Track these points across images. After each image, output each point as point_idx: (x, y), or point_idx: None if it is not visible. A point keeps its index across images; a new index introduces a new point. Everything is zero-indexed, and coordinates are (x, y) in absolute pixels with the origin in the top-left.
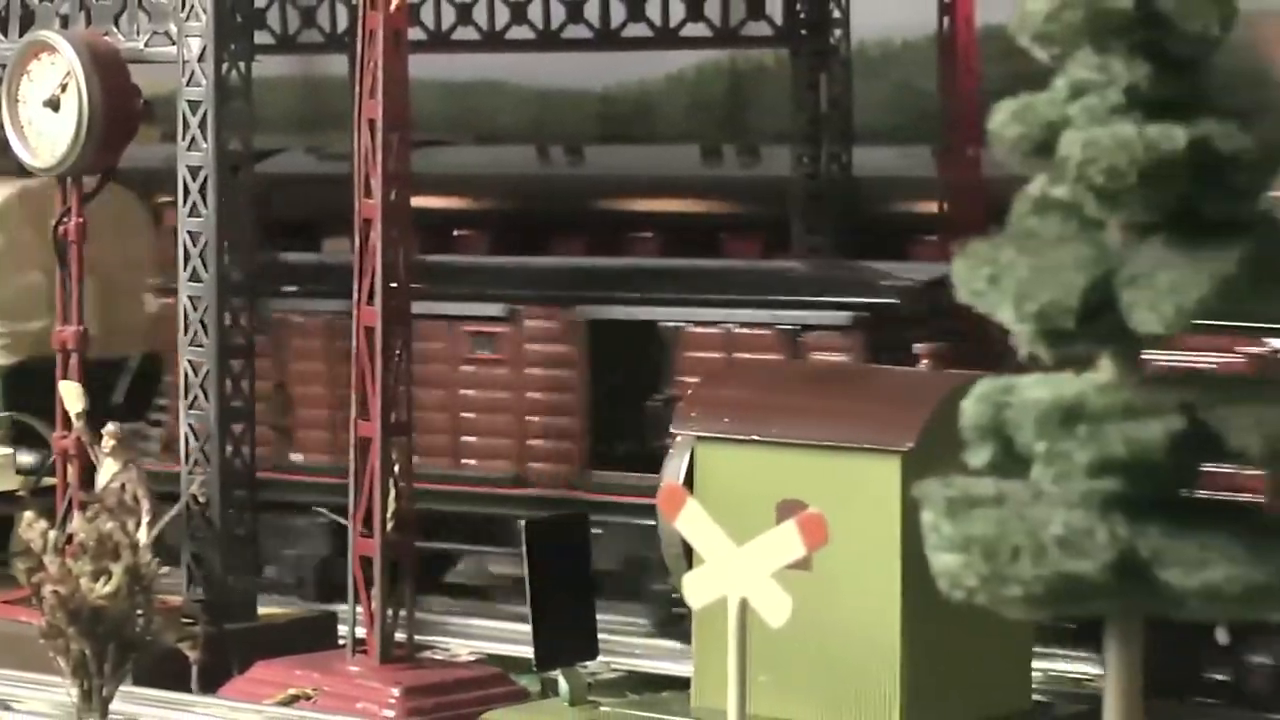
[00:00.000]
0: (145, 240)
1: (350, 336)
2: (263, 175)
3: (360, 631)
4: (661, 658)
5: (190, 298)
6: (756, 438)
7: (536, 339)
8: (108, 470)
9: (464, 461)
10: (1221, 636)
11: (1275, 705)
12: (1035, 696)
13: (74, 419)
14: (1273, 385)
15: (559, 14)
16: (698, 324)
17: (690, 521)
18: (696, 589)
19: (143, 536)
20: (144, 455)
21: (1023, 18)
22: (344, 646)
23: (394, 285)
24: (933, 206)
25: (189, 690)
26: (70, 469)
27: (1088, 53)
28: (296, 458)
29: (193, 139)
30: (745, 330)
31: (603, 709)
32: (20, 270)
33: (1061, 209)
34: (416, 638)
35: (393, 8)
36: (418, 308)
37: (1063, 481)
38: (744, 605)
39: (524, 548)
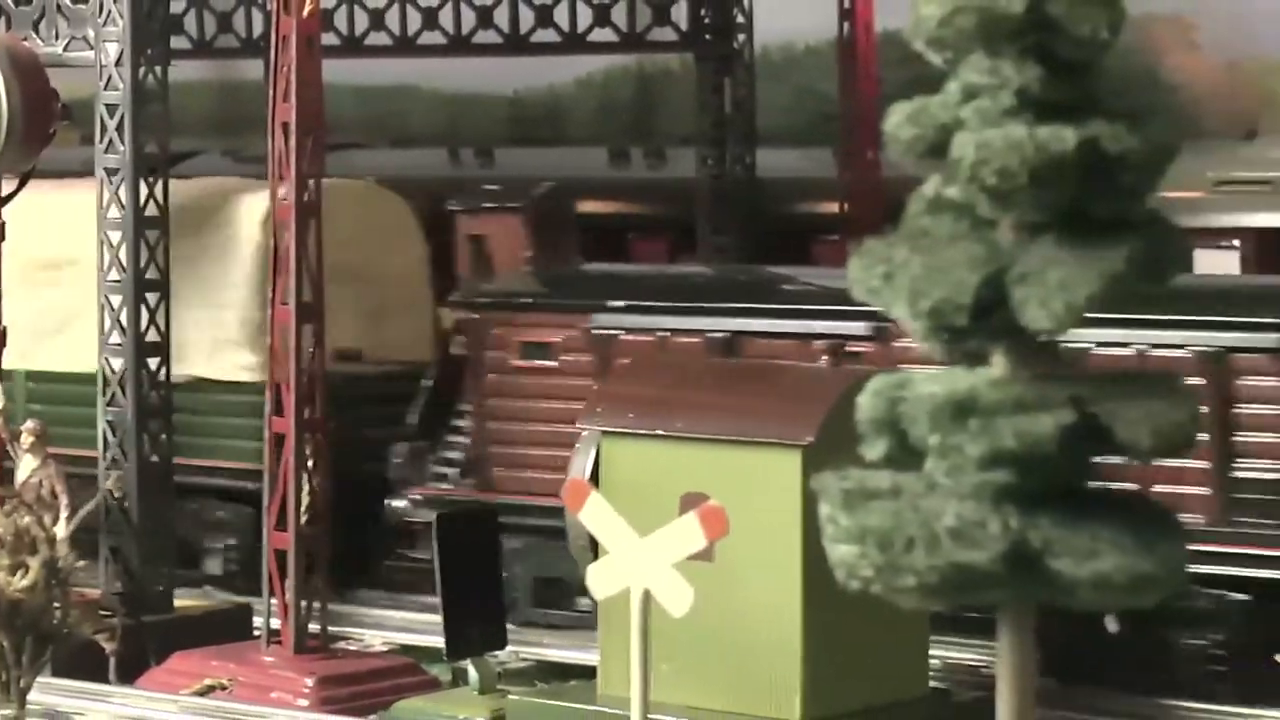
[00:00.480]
0: (417, 249)
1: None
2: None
3: (275, 623)
4: (570, 647)
5: (108, 296)
6: (661, 432)
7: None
8: (26, 466)
9: None
10: (1111, 625)
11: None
12: (932, 683)
13: None
14: (1161, 380)
15: (469, 20)
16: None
17: (594, 514)
18: (600, 580)
19: (60, 531)
20: (440, 481)
21: (916, 22)
22: (259, 638)
23: (306, 285)
24: (834, 207)
25: (107, 681)
26: None
27: (980, 56)
28: None
29: (110, 142)
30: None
31: (511, 697)
32: None
33: (954, 209)
34: (330, 629)
35: (305, 13)
36: (766, 324)
37: (956, 474)
38: (647, 595)
39: (434, 541)
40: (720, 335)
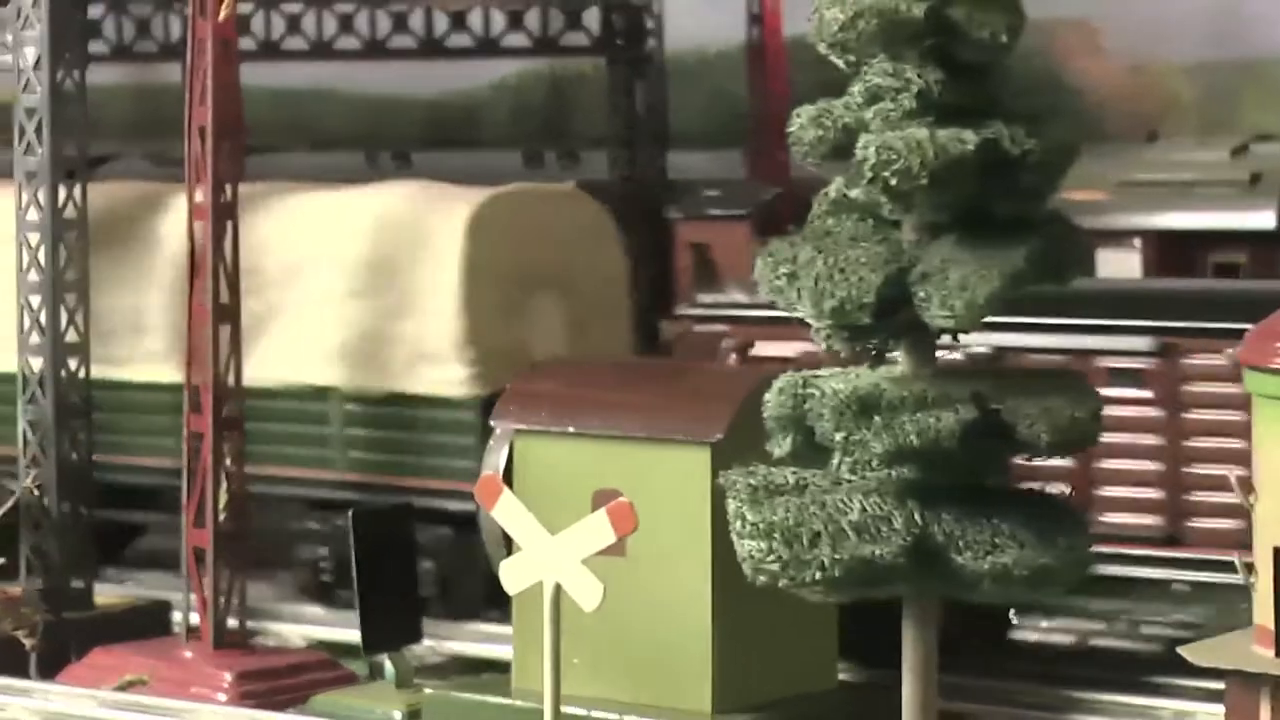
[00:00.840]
0: (617, 256)
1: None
2: None
3: (195, 619)
4: (484, 641)
5: (27, 298)
6: (573, 430)
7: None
8: None
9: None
10: (1013, 617)
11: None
12: (840, 675)
13: None
14: (1060, 377)
15: (385, 25)
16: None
17: (506, 511)
18: (513, 575)
19: None
20: None
21: (820, 26)
22: (179, 634)
23: (224, 287)
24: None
25: (27, 677)
26: None
27: (882, 60)
28: None
29: (29, 145)
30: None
31: (427, 691)
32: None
33: (857, 209)
34: (249, 624)
35: (221, 18)
36: (1036, 339)
37: (860, 470)
38: (558, 590)
39: (350, 537)
40: (982, 351)
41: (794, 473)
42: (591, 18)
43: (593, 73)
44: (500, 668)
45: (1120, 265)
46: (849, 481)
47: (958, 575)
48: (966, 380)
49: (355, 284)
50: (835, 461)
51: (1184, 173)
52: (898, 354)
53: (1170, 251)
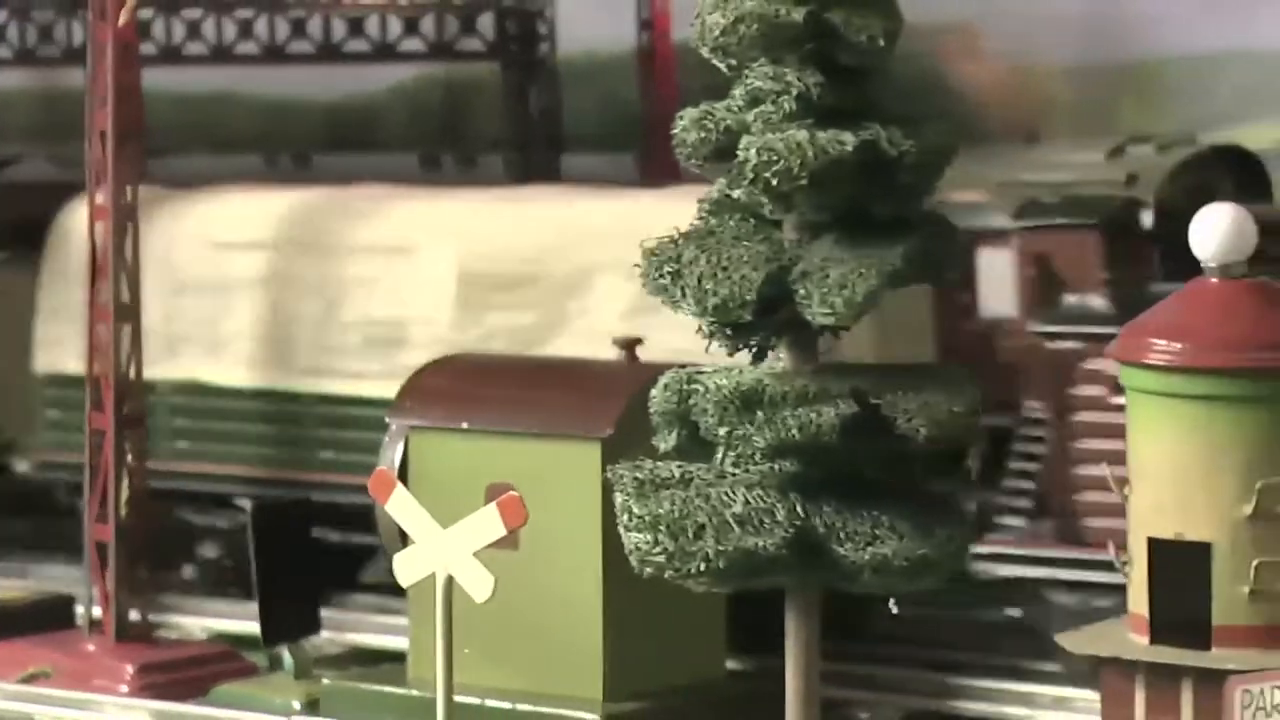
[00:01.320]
0: None
1: None
2: None
3: (97, 612)
4: (382, 632)
5: None
6: (466, 426)
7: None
8: None
9: None
10: (893, 606)
11: None
12: (729, 664)
13: None
14: (938, 372)
15: (284, 30)
16: None
17: (399, 505)
18: (406, 568)
19: None
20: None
21: (702, 31)
22: (82, 627)
23: (125, 287)
24: None
25: None
26: None
27: (764, 63)
28: None
29: None
30: None
31: (324, 681)
32: None
33: (740, 209)
34: (150, 617)
35: (121, 23)
36: None
37: (744, 463)
38: (450, 582)
39: (249, 532)
40: None
41: (679, 467)
42: (486, 23)
43: (488, 77)
44: (398, 658)
45: (1000, 265)
46: (733, 475)
47: (839, 566)
48: (847, 376)
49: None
50: (719, 456)
51: (1062, 173)
52: (780, 350)
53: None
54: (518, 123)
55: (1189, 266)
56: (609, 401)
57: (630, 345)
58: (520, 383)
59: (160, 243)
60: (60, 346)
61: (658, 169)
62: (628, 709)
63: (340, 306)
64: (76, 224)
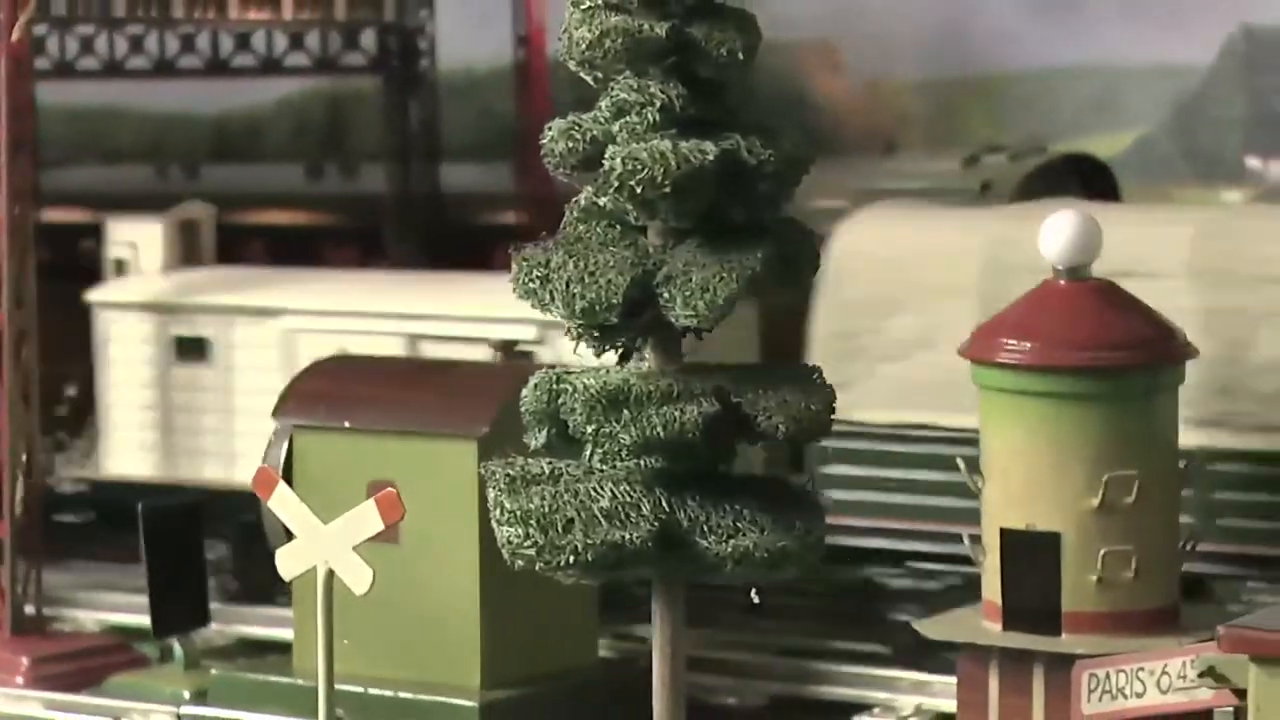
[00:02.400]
0: None
1: None
2: None
3: None
4: (270, 624)
5: None
6: (348, 425)
7: None
8: None
9: None
10: (754, 596)
11: None
12: (601, 653)
13: None
14: (796, 371)
15: (173, 46)
16: None
17: (281, 501)
18: (288, 562)
19: None
20: None
21: (570, 45)
22: None
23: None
24: (511, 217)
25: None
26: None
27: (628, 76)
28: None
29: None
30: None
31: (213, 672)
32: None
33: (606, 216)
34: (45, 611)
35: (15, 39)
36: None
37: (611, 460)
38: (330, 575)
39: (140, 532)
40: None
41: (549, 463)
42: (368, 39)
43: (370, 91)
44: (285, 649)
45: None
46: (600, 471)
47: (702, 558)
48: (709, 375)
49: None
50: (587, 452)
51: (919, 181)
52: (645, 351)
53: None
54: (398, 134)
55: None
56: (485, 401)
57: (507, 347)
58: (400, 383)
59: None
60: None
61: (533, 177)
62: (504, 696)
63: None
64: None
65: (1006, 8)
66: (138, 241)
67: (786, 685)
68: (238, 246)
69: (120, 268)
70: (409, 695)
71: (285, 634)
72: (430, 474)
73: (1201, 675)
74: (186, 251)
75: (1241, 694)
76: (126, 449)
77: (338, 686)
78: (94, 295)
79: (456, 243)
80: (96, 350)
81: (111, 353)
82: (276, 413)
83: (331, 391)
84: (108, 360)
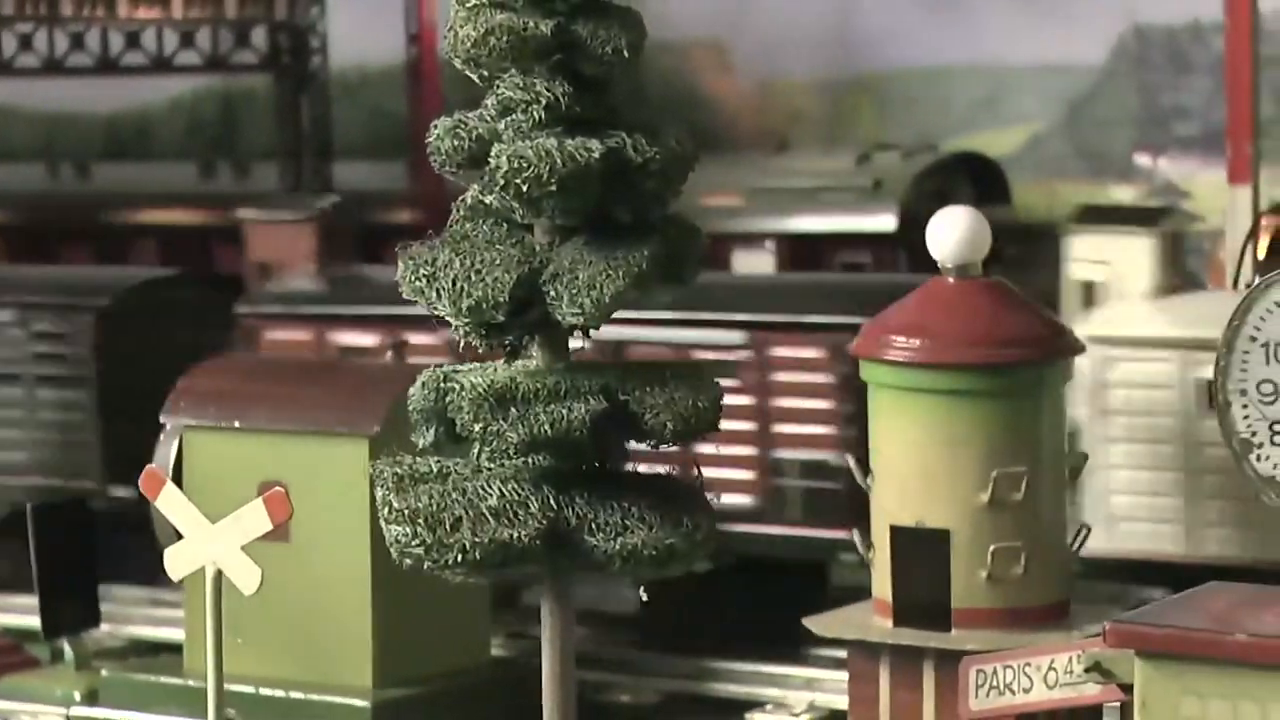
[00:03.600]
0: None
1: None
2: None
3: None
4: (162, 624)
5: None
6: (239, 425)
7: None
8: None
9: None
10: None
11: None
12: (495, 651)
13: None
14: (684, 368)
15: (63, 44)
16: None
17: (168, 501)
18: (177, 562)
19: None
20: None
21: (455, 44)
22: None
23: None
24: (404, 215)
25: None
26: None
27: (514, 74)
28: None
29: None
30: None
31: (103, 673)
32: None
33: (493, 214)
34: None
35: None
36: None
37: (499, 458)
38: (219, 575)
39: (29, 530)
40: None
41: (437, 461)
42: (259, 37)
43: (262, 89)
44: (178, 650)
45: (755, 266)
46: (488, 470)
47: (590, 556)
48: (596, 373)
49: None
50: (475, 451)
51: (811, 180)
52: (533, 349)
53: (800, 252)
54: (290, 133)
55: (933, 267)
56: (376, 400)
57: (398, 346)
58: (291, 382)
59: None
60: None
61: (424, 176)
62: (396, 695)
63: None
64: None
65: (898, 6)
66: (1115, 258)
67: (679, 682)
68: (128, 246)
69: (1092, 292)
70: (300, 695)
71: (178, 634)
72: (321, 473)
73: (1088, 670)
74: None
75: (1128, 689)
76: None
77: (229, 686)
78: (1085, 329)
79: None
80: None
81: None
82: (166, 412)
83: (222, 390)
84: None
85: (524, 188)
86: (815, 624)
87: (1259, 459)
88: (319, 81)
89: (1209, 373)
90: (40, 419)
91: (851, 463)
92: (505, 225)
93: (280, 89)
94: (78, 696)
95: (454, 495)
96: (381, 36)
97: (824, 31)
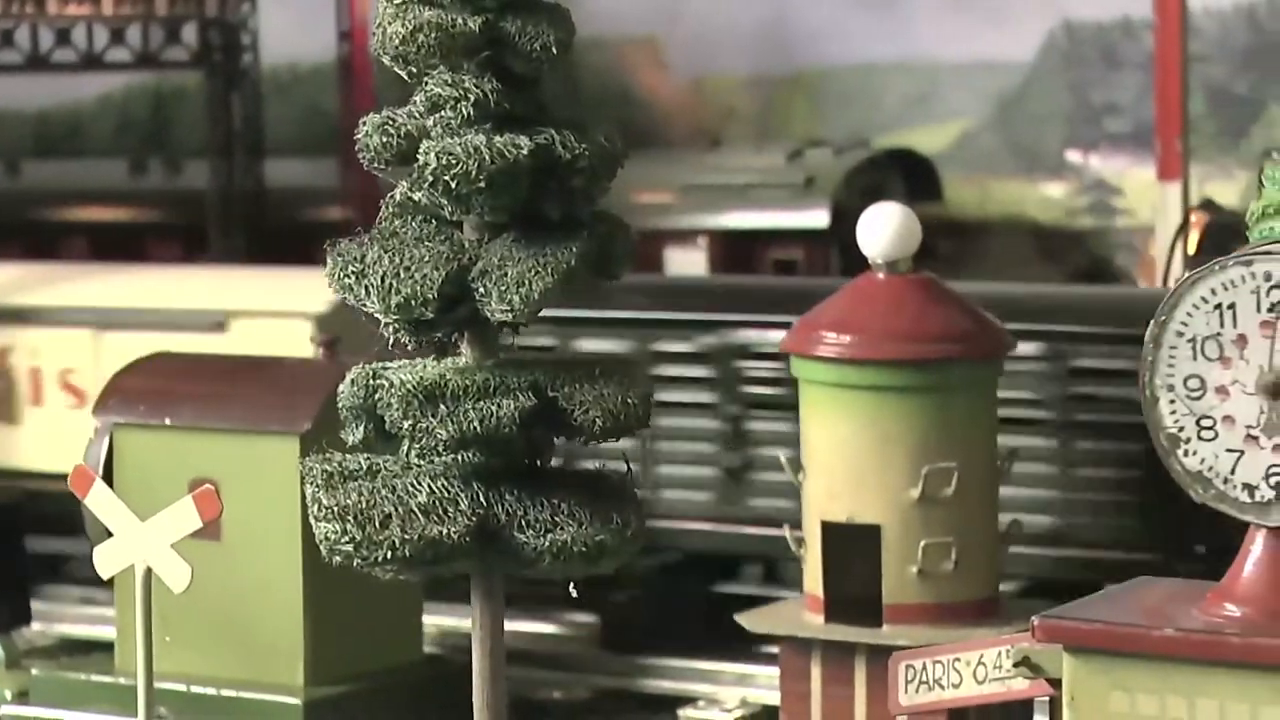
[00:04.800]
0: None
1: None
2: None
3: None
4: (93, 622)
5: None
6: (169, 422)
7: None
8: None
9: None
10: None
11: None
12: (427, 649)
13: None
14: (614, 365)
15: None
16: None
17: (97, 500)
18: (106, 560)
19: None
20: None
21: (383, 40)
22: None
23: None
24: (337, 213)
25: None
26: None
27: (442, 71)
28: None
29: None
30: None
31: (34, 672)
32: None
33: (422, 211)
34: None
35: None
36: None
37: (428, 455)
38: (149, 573)
39: None
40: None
41: (367, 459)
42: (190, 33)
43: (193, 86)
44: (110, 648)
45: (687, 262)
46: (418, 466)
47: (520, 552)
48: (526, 370)
49: None
50: (405, 448)
51: (744, 176)
52: (462, 346)
53: (733, 249)
54: (221, 130)
55: (864, 263)
56: (307, 397)
57: (329, 343)
58: (222, 379)
59: None
60: None
61: (357, 173)
62: (328, 693)
63: None
64: None
65: (831, 3)
66: None
67: (610, 679)
68: (59, 244)
69: None
70: (232, 693)
71: (110, 632)
72: (252, 471)
73: (1016, 665)
74: None
75: (1057, 684)
76: None
77: (161, 685)
78: None
79: (281, 238)
80: None
81: None
82: (96, 410)
83: (152, 388)
84: None
85: (453, 184)
86: (747, 620)
87: (1186, 454)
88: (250, 78)
89: None
90: None
91: (783, 459)
92: (434, 222)
93: (211, 86)
94: (8, 695)
95: (383, 492)
96: (313, 33)
97: (757, 28)
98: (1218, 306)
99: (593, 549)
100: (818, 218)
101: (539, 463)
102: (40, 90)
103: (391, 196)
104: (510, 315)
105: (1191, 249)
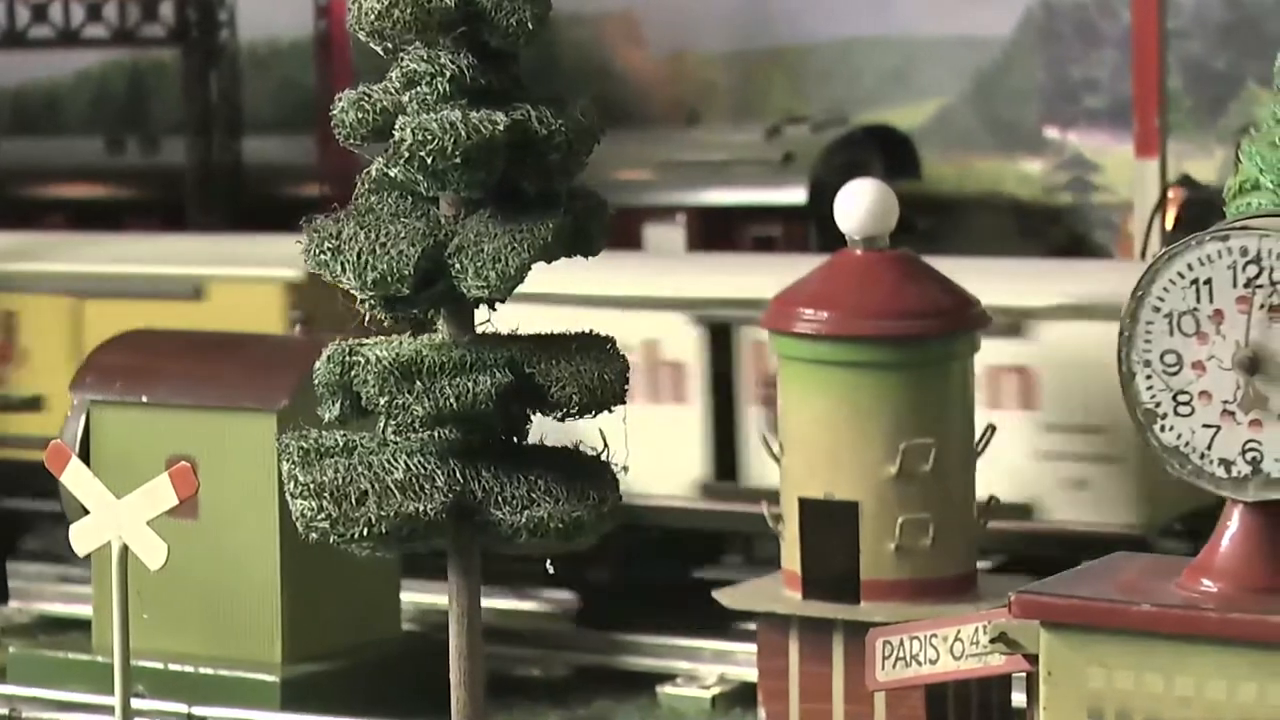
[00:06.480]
0: None
1: None
2: None
3: None
4: (70, 600)
5: None
6: (146, 400)
7: None
8: None
9: None
10: (549, 566)
11: None
12: (406, 625)
13: None
14: (590, 341)
15: None
16: None
17: (74, 477)
18: (82, 538)
19: None
20: None
21: (359, 15)
22: None
23: None
24: (314, 189)
25: None
26: None
27: (418, 46)
28: None
29: None
30: None
31: (11, 649)
32: None
33: (398, 187)
34: None
35: None
36: None
37: (404, 432)
38: (125, 551)
39: None
40: None
41: (343, 435)
42: (167, 10)
43: (171, 63)
44: (87, 626)
45: (666, 239)
46: (394, 443)
47: (497, 529)
48: (502, 346)
49: None
50: (381, 424)
51: (722, 153)
52: (439, 322)
53: (712, 226)
54: (199, 106)
55: (842, 239)
56: (284, 375)
57: (305, 321)
58: (198, 357)
59: None
60: None
61: (334, 149)
62: (306, 670)
63: None
64: None
65: None
66: None
67: (590, 656)
68: (37, 220)
69: None
70: (210, 670)
71: (87, 611)
72: (229, 448)
73: (993, 641)
74: None
75: (1033, 659)
76: None
77: (138, 662)
78: None
79: (259, 215)
80: None
81: None
82: (73, 387)
83: (129, 365)
84: None
85: (429, 160)
86: (725, 596)
87: (1163, 429)
88: (227, 55)
89: None
90: None
91: (763, 436)
92: (410, 198)
93: (188, 63)
94: None
95: (360, 469)
96: (291, 9)
97: (736, 3)
98: (1194, 282)
99: (569, 525)
100: (796, 194)
101: (516, 439)
102: (17, 67)
103: (367, 172)
104: (487, 291)
105: (1169, 225)
